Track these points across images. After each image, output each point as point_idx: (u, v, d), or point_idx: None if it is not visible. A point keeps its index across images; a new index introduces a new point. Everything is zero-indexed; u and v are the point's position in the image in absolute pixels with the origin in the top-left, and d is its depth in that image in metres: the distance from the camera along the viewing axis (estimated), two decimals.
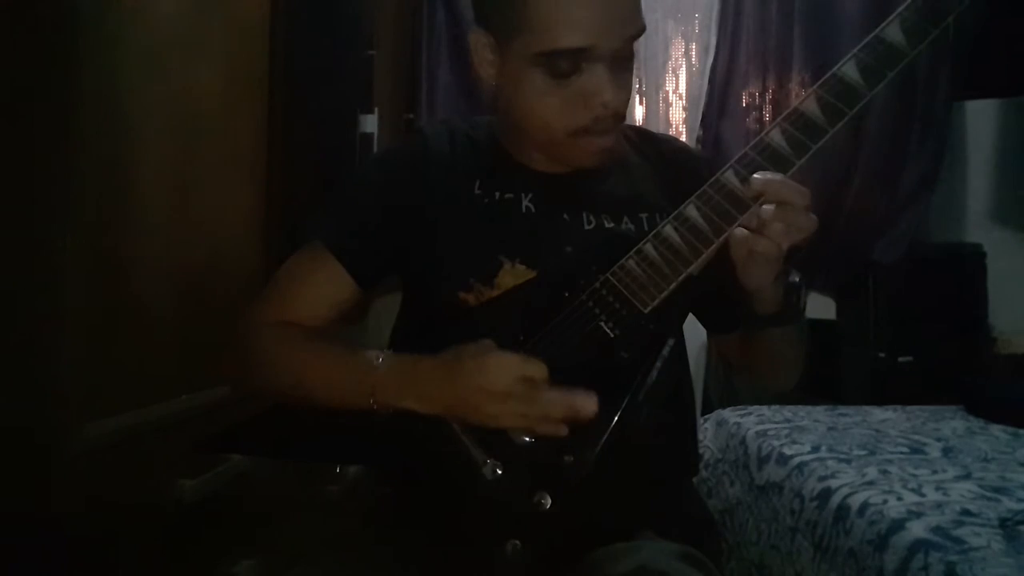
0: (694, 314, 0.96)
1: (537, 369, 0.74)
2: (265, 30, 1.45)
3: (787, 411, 1.74)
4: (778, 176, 0.74)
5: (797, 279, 0.79)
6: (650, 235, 0.79)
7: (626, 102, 0.85)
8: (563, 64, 0.79)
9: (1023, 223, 2.23)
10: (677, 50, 2.33)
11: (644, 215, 0.90)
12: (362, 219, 0.91)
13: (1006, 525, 1.01)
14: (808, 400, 1.85)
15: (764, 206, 0.74)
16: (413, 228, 0.89)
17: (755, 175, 0.75)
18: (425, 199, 0.89)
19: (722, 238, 0.76)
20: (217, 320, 1.05)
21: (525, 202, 0.89)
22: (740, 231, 0.75)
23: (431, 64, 2.26)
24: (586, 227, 0.88)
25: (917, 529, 1.02)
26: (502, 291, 0.84)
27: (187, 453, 0.97)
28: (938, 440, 1.48)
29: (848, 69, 0.75)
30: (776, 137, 0.77)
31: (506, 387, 0.73)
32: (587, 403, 0.72)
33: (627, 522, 0.83)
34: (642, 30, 0.82)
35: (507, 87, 0.86)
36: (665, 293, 0.78)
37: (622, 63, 0.82)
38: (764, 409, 1.75)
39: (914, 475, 1.25)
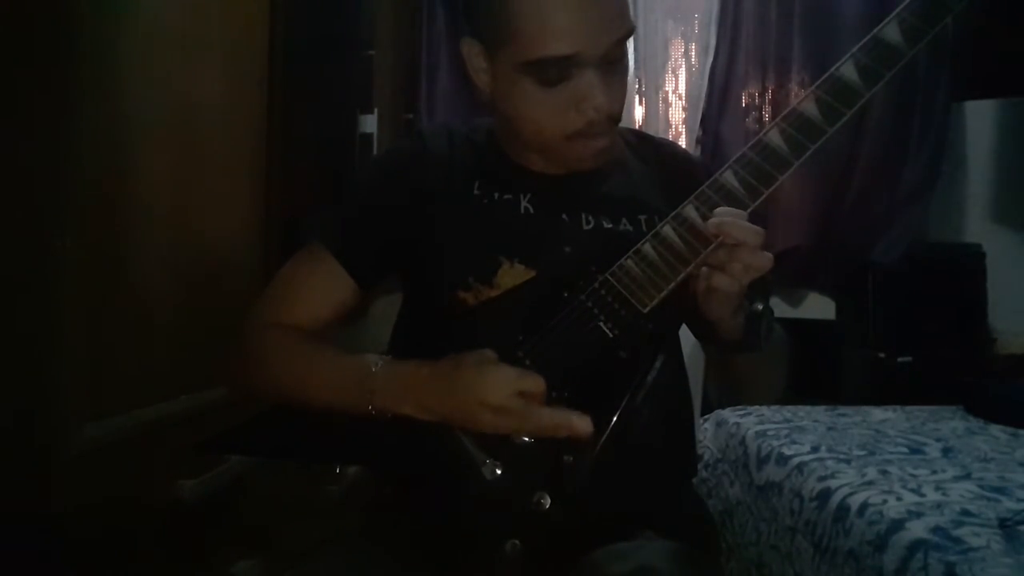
0: (685, 323, 0.96)
1: (534, 384, 0.74)
2: (265, 30, 1.45)
3: (787, 411, 1.74)
4: (732, 219, 0.74)
5: (760, 308, 0.78)
6: (649, 235, 0.79)
7: (620, 104, 0.85)
8: (551, 72, 0.79)
9: (1023, 223, 2.23)
10: (676, 50, 2.32)
11: (643, 216, 0.90)
12: (362, 220, 0.91)
13: (1006, 525, 1.01)
14: (808, 400, 1.84)
15: (721, 247, 0.75)
16: (412, 229, 0.89)
17: (712, 219, 0.75)
18: (424, 200, 0.90)
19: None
20: (217, 320, 1.05)
21: (524, 203, 0.89)
22: (726, 280, 0.75)
23: (431, 65, 2.25)
24: (585, 228, 0.88)
25: (917, 529, 1.02)
26: (501, 291, 0.84)
27: (187, 453, 0.97)
28: (938, 440, 1.48)
29: (846, 69, 0.75)
30: (775, 137, 0.77)
31: (503, 402, 0.73)
32: (582, 424, 0.73)
33: (627, 522, 0.83)
34: (630, 31, 0.82)
35: (501, 94, 0.86)
36: (664, 293, 0.78)
37: (613, 65, 0.81)
38: (764, 409, 1.75)
39: (914, 475, 1.25)
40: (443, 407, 0.76)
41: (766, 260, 0.74)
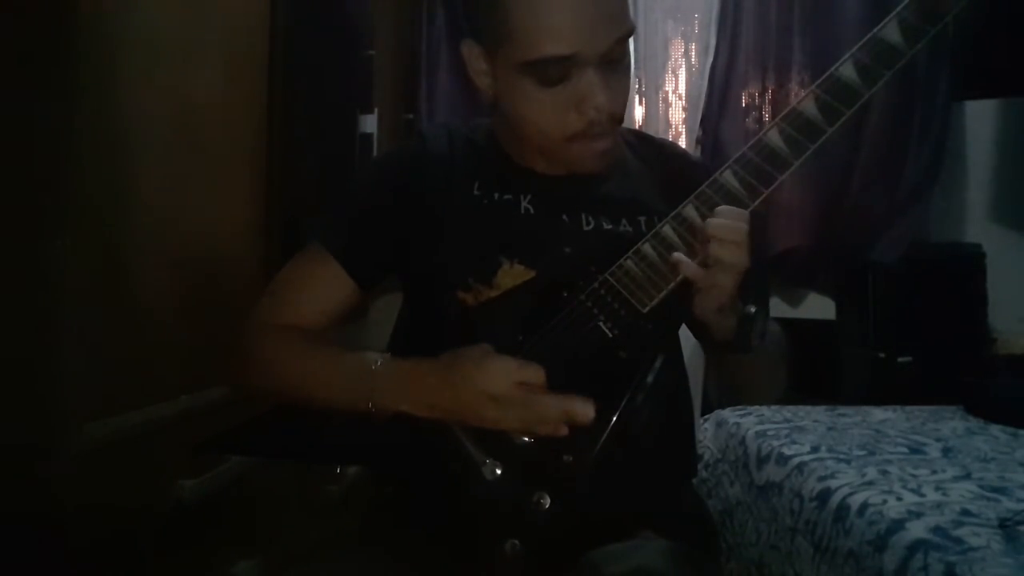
0: (685, 323, 0.96)
1: (534, 373, 0.74)
2: (265, 30, 1.45)
3: (787, 411, 1.74)
4: (721, 219, 0.74)
5: (752, 310, 0.78)
6: (648, 235, 0.79)
7: (622, 104, 0.84)
8: (551, 72, 0.79)
9: (1023, 223, 2.23)
10: (676, 50, 2.33)
11: (642, 217, 0.90)
12: (362, 221, 0.91)
13: (1006, 525, 1.01)
14: (808, 400, 1.84)
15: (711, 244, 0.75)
16: (412, 229, 0.89)
17: (709, 220, 0.75)
18: (424, 200, 0.90)
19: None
20: (217, 320, 1.05)
21: (524, 203, 0.89)
22: (693, 267, 0.76)
23: (431, 64, 2.25)
24: (585, 228, 0.88)
25: (917, 529, 1.02)
26: (501, 291, 0.84)
27: (187, 453, 0.97)
28: (938, 440, 1.48)
29: (846, 69, 0.75)
30: (774, 137, 0.77)
31: (504, 392, 0.73)
32: (584, 408, 0.73)
33: (626, 522, 0.83)
34: (630, 31, 0.82)
35: (502, 95, 0.86)
36: (663, 293, 0.78)
37: (614, 65, 0.81)
38: (764, 409, 1.75)
39: (914, 475, 1.25)
40: (443, 402, 0.76)
41: (744, 260, 0.74)
